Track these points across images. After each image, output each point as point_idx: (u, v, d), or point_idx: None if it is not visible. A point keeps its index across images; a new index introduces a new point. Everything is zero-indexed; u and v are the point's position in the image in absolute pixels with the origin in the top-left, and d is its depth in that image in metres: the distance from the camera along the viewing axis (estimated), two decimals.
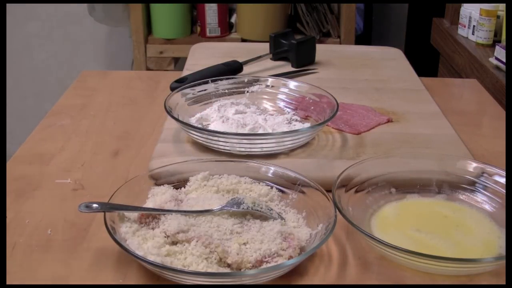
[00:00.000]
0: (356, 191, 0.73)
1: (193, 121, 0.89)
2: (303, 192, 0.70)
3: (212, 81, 0.97)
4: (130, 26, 1.99)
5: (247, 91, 0.98)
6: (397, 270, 0.64)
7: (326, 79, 1.13)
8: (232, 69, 1.11)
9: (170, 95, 0.89)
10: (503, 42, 1.31)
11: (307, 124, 0.90)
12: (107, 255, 0.65)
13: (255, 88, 0.98)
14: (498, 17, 1.40)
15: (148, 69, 2.00)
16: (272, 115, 0.93)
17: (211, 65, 1.11)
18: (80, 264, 0.64)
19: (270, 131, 0.87)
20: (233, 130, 0.86)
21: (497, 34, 1.41)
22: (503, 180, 0.73)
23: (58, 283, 0.61)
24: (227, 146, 0.81)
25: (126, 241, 0.62)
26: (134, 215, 0.66)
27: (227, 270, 0.60)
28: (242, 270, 0.60)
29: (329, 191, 0.68)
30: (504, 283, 0.62)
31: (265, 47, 1.23)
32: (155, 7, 1.97)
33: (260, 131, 0.87)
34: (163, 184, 0.72)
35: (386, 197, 0.74)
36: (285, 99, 0.97)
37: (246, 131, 0.86)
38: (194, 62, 1.20)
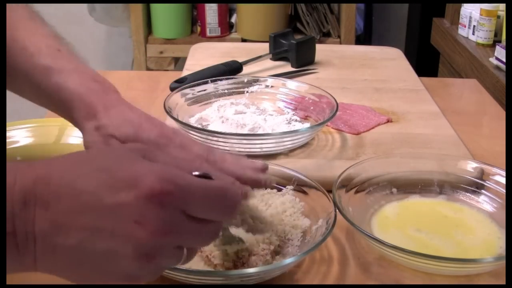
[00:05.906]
0: (357, 192, 0.72)
1: (192, 121, 0.89)
2: (303, 192, 0.70)
3: (212, 81, 0.96)
4: (130, 26, 1.99)
5: (247, 91, 0.98)
6: (397, 270, 0.64)
7: (325, 79, 1.13)
8: (231, 69, 1.11)
9: (169, 95, 0.89)
10: (503, 42, 1.31)
11: (306, 124, 0.90)
12: None
13: (254, 88, 0.98)
14: (498, 17, 1.40)
15: (148, 69, 2.00)
16: (271, 115, 0.93)
17: (211, 65, 1.11)
18: None
19: (269, 131, 0.87)
20: (233, 131, 0.86)
21: (497, 34, 1.41)
22: (503, 180, 0.73)
23: (58, 283, 0.61)
24: (227, 147, 0.81)
25: None
26: None
27: (223, 269, 0.60)
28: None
29: (329, 191, 0.68)
30: (504, 283, 0.62)
31: (265, 47, 1.23)
32: (155, 7, 1.97)
33: (260, 132, 0.86)
34: None
35: (387, 197, 0.74)
36: (285, 99, 0.97)
37: (245, 131, 0.86)
38: (194, 62, 1.20)
